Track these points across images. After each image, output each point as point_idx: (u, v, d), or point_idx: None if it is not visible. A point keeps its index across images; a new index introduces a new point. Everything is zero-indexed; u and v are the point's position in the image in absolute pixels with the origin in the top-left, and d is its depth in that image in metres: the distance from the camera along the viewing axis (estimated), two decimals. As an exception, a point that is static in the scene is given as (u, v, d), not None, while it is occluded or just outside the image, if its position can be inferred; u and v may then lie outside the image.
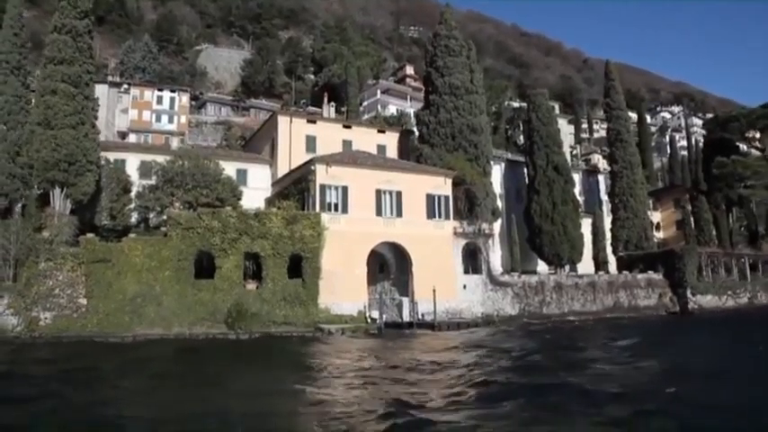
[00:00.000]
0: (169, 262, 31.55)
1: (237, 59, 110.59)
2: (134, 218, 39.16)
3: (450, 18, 48.94)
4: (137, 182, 40.88)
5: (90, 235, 31.42)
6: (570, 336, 33.33)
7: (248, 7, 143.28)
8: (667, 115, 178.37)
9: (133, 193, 39.54)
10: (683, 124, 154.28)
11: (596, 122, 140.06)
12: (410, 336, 33.24)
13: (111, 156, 40.93)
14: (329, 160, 37.65)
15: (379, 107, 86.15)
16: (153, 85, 77.91)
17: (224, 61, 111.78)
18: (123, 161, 43.23)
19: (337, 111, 74.97)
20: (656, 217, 78.61)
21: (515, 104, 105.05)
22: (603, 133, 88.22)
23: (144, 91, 74.91)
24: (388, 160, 44.73)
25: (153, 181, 38.26)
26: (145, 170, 42.40)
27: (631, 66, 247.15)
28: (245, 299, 32.12)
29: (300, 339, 30.20)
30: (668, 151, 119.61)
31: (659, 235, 77.49)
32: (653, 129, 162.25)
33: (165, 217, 37.15)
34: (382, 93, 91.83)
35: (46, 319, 29.36)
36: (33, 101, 34.76)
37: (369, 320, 35.54)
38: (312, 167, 36.97)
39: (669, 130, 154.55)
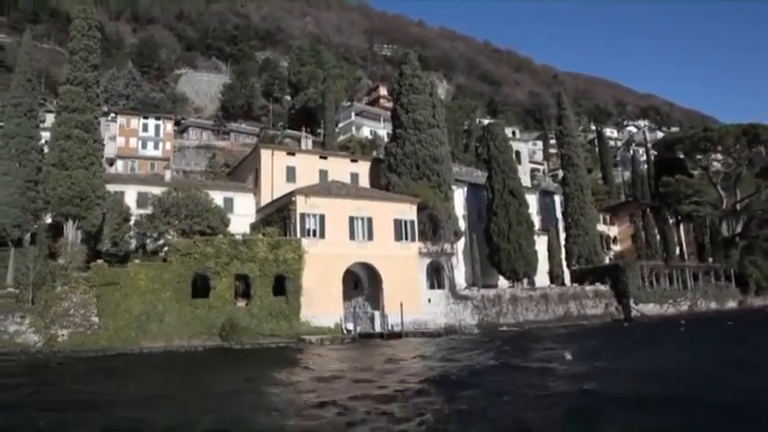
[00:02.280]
0: (169, 284, 36.11)
1: (217, 83, 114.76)
2: (133, 244, 43.70)
3: (413, 59, 54.47)
4: (135, 212, 45.24)
5: (100, 261, 35.84)
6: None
7: (225, 29, 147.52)
8: (633, 129, 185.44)
9: (132, 222, 44.03)
10: (646, 138, 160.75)
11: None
12: (380, 344, 38.07)
13: (112, 188, 44.85)
14: (308, 192, 42.56)
15: (353, 129, 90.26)
16: (139, 112, 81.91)
17: (204, 85, 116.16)
18: (122, 193, 47.49)
19: (314, 134, 79.68)
20: (613, 231, 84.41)
21: (486, 121, 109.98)
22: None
23: (130, 119, 79.07)
24: (360, 189, 49.56)
25: (149, 210, 42.73)
26: (142, 201, 46.91)
27: (602, 78, 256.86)
28: (237, 314, 36.83)
29: (284, 348, 35.10)
30: (632, 166, 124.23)
31: (617, 248, 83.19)
32: (619, 143, 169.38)
33: (161, 242, 42.00)
34: (356, 115, 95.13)
35: (63, 335, 33.55)
36: (45, 141, 39.13)
37: (344, 331, 40.27)
38: (293, 198, 41.78)
39: (633, 144, 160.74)
